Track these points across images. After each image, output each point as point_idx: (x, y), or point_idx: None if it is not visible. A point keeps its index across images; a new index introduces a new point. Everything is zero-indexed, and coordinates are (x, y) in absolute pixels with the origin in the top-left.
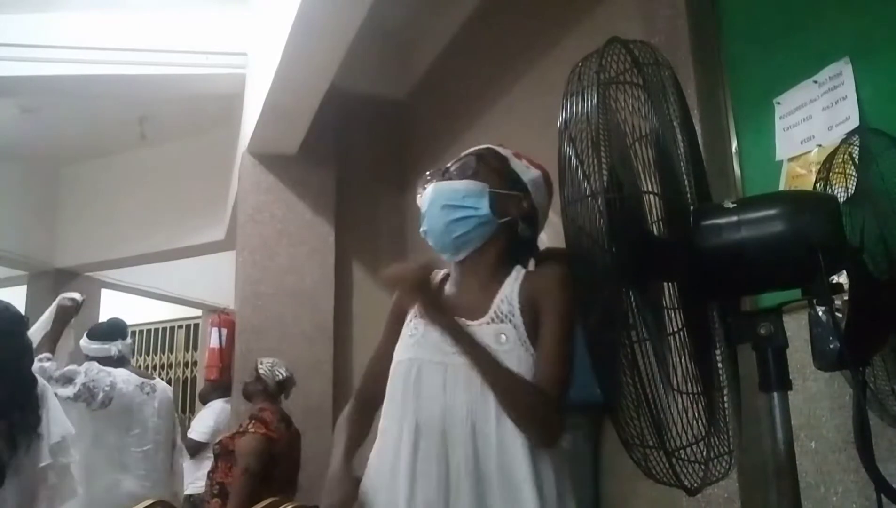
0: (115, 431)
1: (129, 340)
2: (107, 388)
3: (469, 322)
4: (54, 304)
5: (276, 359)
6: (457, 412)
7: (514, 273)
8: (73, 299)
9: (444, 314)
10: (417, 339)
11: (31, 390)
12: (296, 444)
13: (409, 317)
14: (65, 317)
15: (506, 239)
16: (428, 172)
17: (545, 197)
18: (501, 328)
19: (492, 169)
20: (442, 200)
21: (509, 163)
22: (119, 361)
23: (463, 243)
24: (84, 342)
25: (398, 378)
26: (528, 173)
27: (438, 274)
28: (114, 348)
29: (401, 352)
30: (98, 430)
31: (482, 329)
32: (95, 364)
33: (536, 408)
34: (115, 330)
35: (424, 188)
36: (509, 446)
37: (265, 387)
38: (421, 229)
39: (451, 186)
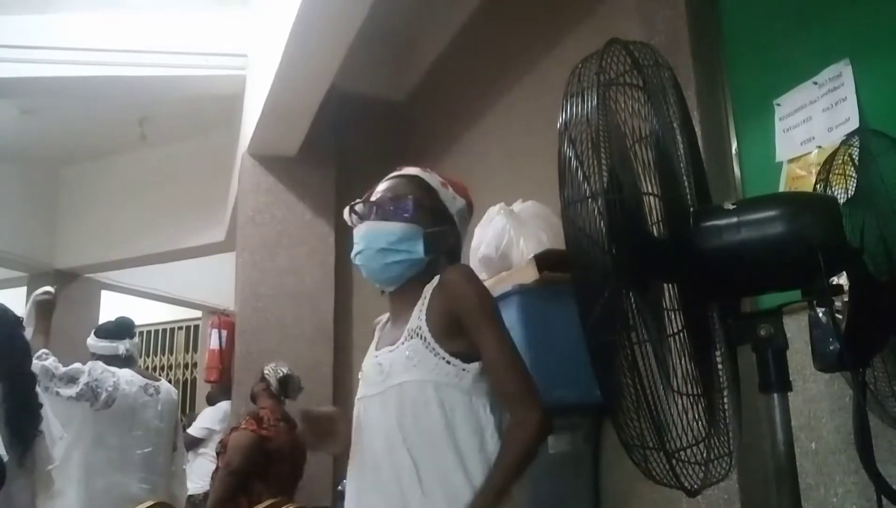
0: (116, 432)
1: (136, 339)
2: (110, 388)
3: (390, 349)
4: (30, 304)
5: (280, 361)
6: (391, 430)
7: (424, 291)
8: (47, 292)
9: None
10: (364, 378)
11: (32, 388)
12: (299, 448)
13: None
14: (47, 311)
15: (431, 270)
16: (359, 202)
17: (467, 221)
18: (410, 344)
19: (425, 208)
20: (380, 242)
21: (439, 196)
22: (126, 360)
23: (396, 278)
24: (91, 340)
25: (354, 419)
26: (455, 204)
27: (382, 319)
28: (122, 346)
29: (356, 395)
30: (100, 430)
31: (397, 351)
32: (100, 364)
33: (528, 451)
34: (122, 329)
35: (356, 216)
36: (437, 459)
37: (268, 385)
38: (354, 259)
39: (387, 229)
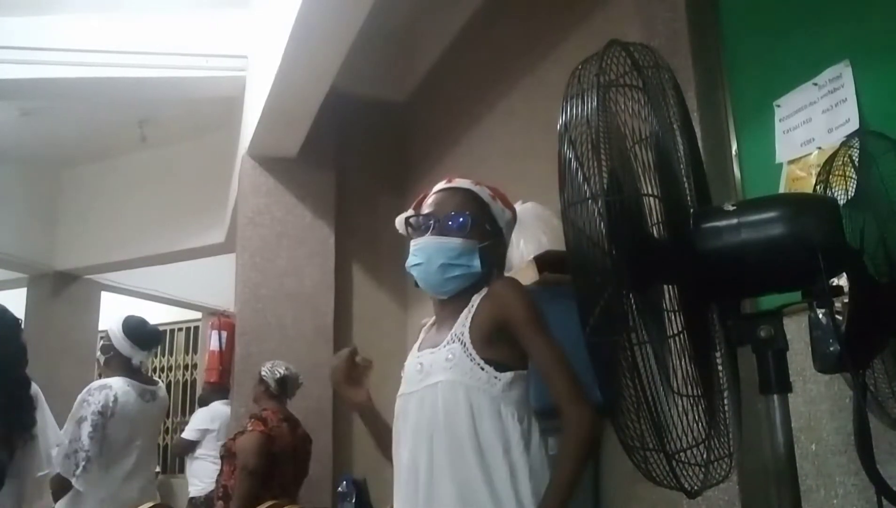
0: (118, 442)
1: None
2: (111, 404)
3: (432, 350)
4: None
5: (276, 360)
6: (421, 428)
7: (472, 300)
8: None
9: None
10: (405, 376)
11: (26, 390)
12: (302, 446)
13: None
14: None
15: (482, 280)
16: (414, 215)
17: (511, 230)
18: (451, 348)
19: (479, 223)
20: (441, 258)
21: (490, 210)
22: (131, 370)
23: (453, 290)
24: (118, 331)
25: (395, 416)
26: (503, 217)
27: (428, 321)
28: (139, 356)
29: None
30: (101, 442)
31: (438, 353)
32: (94, 387)
33: (586, 446)
34: (152, 340)
35: (412, 228)
36: (460, 461)
37: (267, 388)
38: (411, 270)
39: (449, 245)
